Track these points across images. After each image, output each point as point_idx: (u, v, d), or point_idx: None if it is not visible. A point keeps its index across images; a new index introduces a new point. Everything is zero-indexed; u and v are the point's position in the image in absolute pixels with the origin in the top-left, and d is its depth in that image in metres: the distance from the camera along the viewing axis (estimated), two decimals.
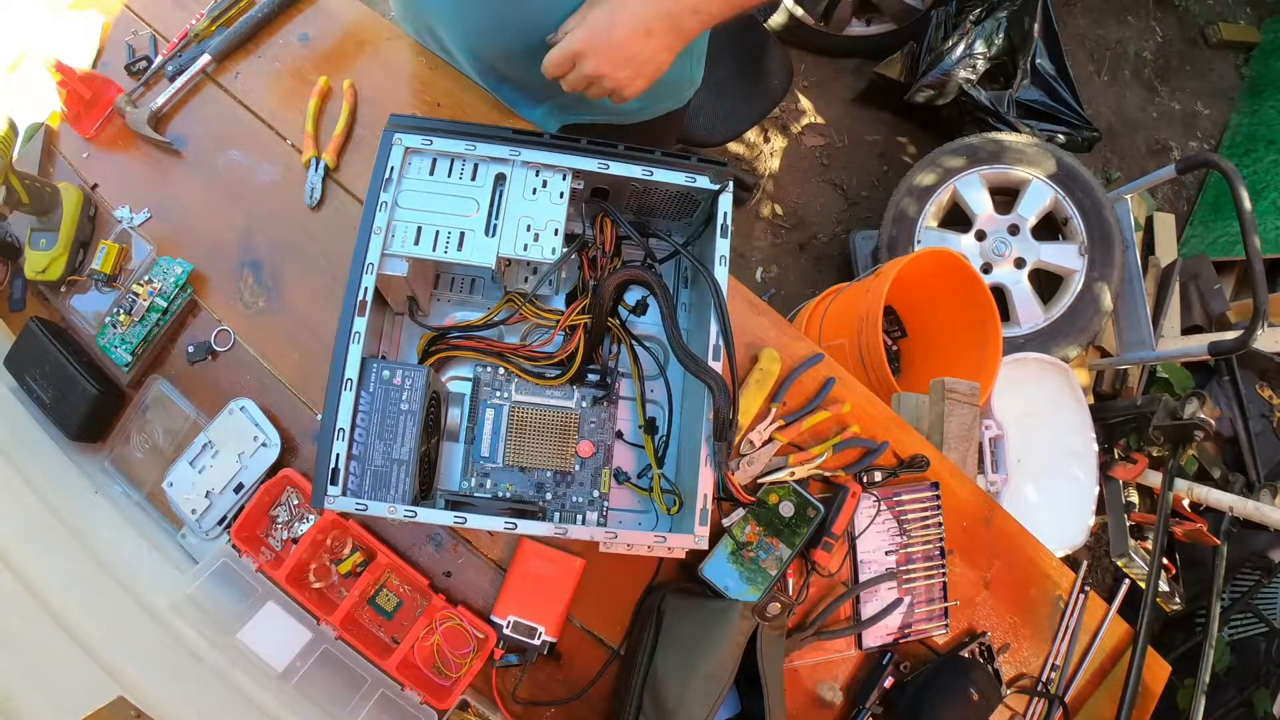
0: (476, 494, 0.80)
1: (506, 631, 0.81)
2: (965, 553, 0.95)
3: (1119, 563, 1.77)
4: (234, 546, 0.83)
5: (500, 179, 0.77)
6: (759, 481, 0.87)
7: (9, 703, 0.59)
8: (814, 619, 0.88)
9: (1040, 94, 2.03)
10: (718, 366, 0.74)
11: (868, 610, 0.90)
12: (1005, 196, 1.95)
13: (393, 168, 0.74)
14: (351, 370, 0.70)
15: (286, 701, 0.77)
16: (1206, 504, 1.56)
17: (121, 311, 0.88)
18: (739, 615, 0.76)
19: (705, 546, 0.73)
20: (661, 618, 0.81)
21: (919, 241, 1.86)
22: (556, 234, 0.76)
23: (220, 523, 0.85)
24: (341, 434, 0.69)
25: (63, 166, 0.97)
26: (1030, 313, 1.85)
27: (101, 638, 0.69)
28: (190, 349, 0.90)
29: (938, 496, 0.94)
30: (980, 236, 1.91)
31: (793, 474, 0.88)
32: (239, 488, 0.85)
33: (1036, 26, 1.99)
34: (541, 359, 0.83)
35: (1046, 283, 1.90)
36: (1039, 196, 1.89)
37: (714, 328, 0.75)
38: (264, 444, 0.85)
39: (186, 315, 0.92)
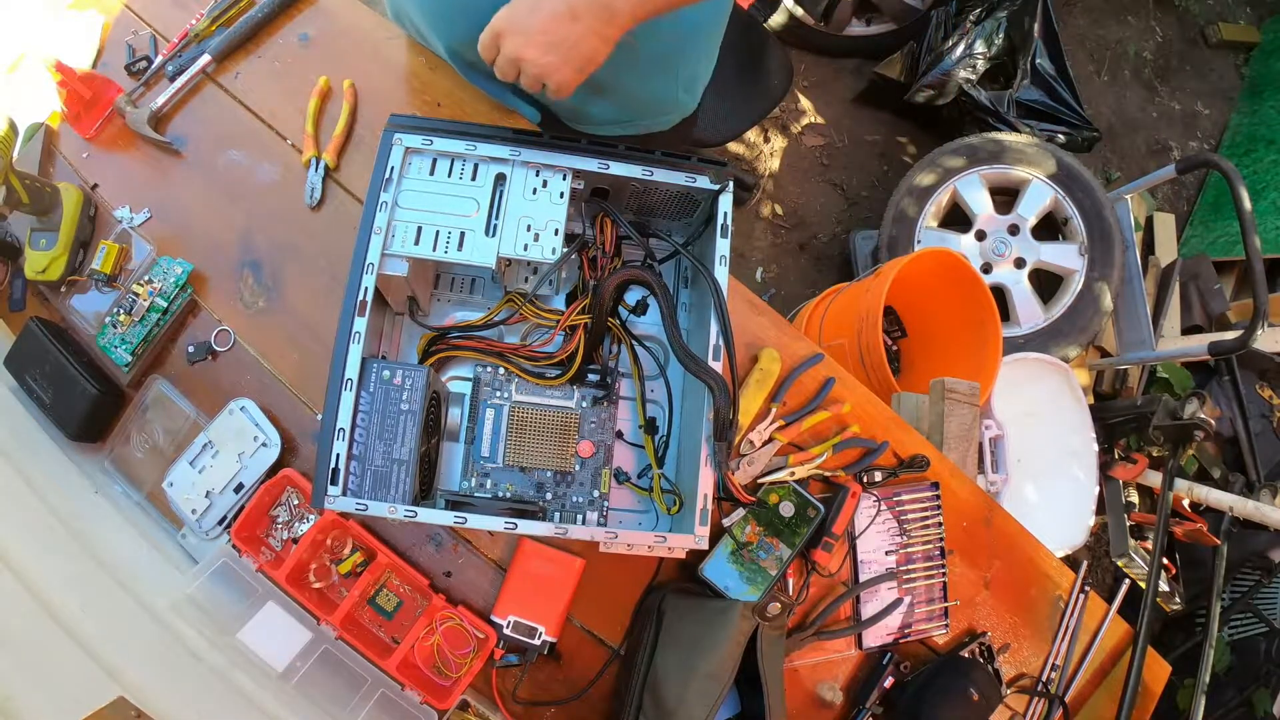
0: (476, 494, 0.80)
1: (506, 631, 0.81)
2: (965, 553, 0.95)
3: (1119, 563, 1.77)
4: (234, 546, 0.83)
5: (500, 179, 0.77)
6: (759, 481, 0.87)
7: (9, 703, 0.59)
8: (814, 619, 0.88)
9: (1040, 94, 2.03)
10: (718, 366, 0.74)
11: (868, 610, 0.90)
12: (1005, 196, 1.95)
13: (393, 168, 0.74)
14: (351, 370, 0.70)
15: (286, 701, 0.77)
16: (1206, 504, 1.56)
17: (121, 311, 0.88)
18: (739, 615, 0.76)
19: (705, 546, 0.73)
20: (661, 618, 0.81)
21: (919, 241, 1.86)
22: (556, 234, 0.76)
23: (220, 523, 0.85)
24: (341, 434, 0.69)
25: (63, 166, 0.97)
26: (1030, 313, 1.85)
27: (101, 638, 0.69)
28: (190, 349, 0.90)
29: (938, 496, 0.94)
30: (980, 236, 1.90)
31: (793, 474, 0.88)
32: (239, 488, 0.84)
33: (1036, 26, 1.99)
34: (542, 359, 0.83)
35: (1046, 283, 1.90)
36: (1039, 196, 1.89)
37: (714, 328, 0.75)
38: (264, 444, 0.85)
39: (186, 315, 0.92)
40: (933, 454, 0.96)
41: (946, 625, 0.93)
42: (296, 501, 0.86)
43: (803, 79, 2.28)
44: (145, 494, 0.89)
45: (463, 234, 0.75)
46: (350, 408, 0.69)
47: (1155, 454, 1.71)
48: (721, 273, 0.76)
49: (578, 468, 0.82)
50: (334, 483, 0.68)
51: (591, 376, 0.84)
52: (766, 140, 2.23)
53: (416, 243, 0.74)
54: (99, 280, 0.90)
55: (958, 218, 1.95)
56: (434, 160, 0.77)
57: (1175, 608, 1.80)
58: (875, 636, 0.90)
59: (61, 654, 0.67)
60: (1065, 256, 1.87)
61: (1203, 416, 1.53)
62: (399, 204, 0.75)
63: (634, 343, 0.87)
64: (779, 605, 0.85)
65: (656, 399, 0.88)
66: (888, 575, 0.91)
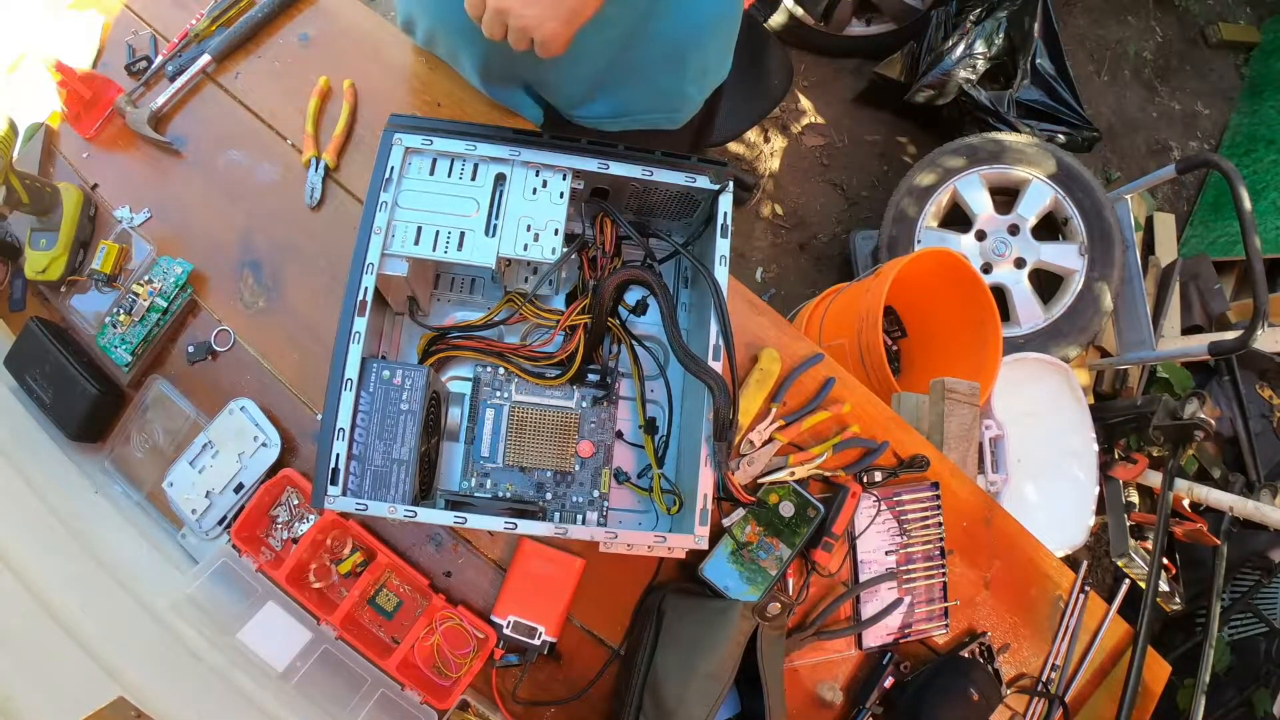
0: (476, 494, 0.80)
1: (506, 631, 0.81)
2: (965, 553, 0.95)
3: (1119, 563, 1.77)
4: (234, 546, 0.83)
5: (500, 179, 0.77)
6: (759, 481, 0.87)
7: (9, 703, 0.59)
8: (814, 619, 0.88)
9: (1040, 94, 2.03)
10: (718, 366, 0.74)
11: (868, 610, 0.90)
12: (1005, 196, 1.95)
13: (393, 168, 0.74)
14: (351, 370, 0.70)
15: (286, 701, 0.77)
16: (1206, 504, 1.56)
17: (121, 311, 0.88)
18: (739, 615, 0.76)
19: (705, 546, 0.73)
20: (661, 618, 0.81)
21: (919, 241, 1.86)
22: (556, 234, 0.76)
23: (220, 523, 0.85)
24: (341, 434, 0.69)
25: (63, 166, 0.97)
26: (1030, 313, 1.85)
27: (101, 638, 0.69)
28: (190, 349, 0.90)
29: (938, 496, 0.94)
30: (980, 236, 1.91)
31: (793, 474, 0.88)
32: (239, 488, 0.84)
33: (1036, 26, 1.99)
34: (541, 359, 0.83)
35: (1046, 283, 1.90)
36: (1039, 196, 1.89)
37: (714, 328, 0.75)
38: (264, 444, 0.85)
39: (186, 315, 0.92)
40: (933, 454, 0.96)
41: (946, 625, 0.93)
42: (296, 501, 0.86)
43: (803, 79, 2.28)
44: (145, 494, 0.89)
45: (463, 234, 0.75)
46: (350, 408, 0.69)
47: (1155, 454, 1.71)
48: (721, 273, 0.76)
49: (578, 468, 0.82)
50: (334, 483, 0.68)
51: (591, 376, 0.84)
52: (766, 140, 2.23)
53: (416, 243, 0.74)
54: (99, 280, 0.90)
55: (958, 218, 1.95)
56: (434, 160, 0.77)
57: (1175, 608, 1.80)
58: (875, 636, 0.90)
59: (61, 654, 0.67)
60: (1065, 256, 1.87)
61: (1203, 416, 1.53)
62: (399, 204, 0.75)
63: (634, 343, 0.87)
64: (779, 605, 0.85)
65: (656, 399, 0.88)
66: (888, 575, 0.91)
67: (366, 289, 0.71)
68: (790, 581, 0.88)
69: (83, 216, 0.92)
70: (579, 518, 0.81)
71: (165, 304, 0.89)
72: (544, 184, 0.77)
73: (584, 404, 0.83)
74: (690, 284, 0.91)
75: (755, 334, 0.94)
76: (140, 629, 0.76)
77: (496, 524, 0.69)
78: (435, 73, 0.98)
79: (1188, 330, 2.00)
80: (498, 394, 0.83)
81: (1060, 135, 2.02)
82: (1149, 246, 2.19)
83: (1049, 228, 1.95)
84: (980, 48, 1.97)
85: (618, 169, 0.76)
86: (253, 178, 0.95)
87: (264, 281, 0.92)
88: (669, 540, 0.74)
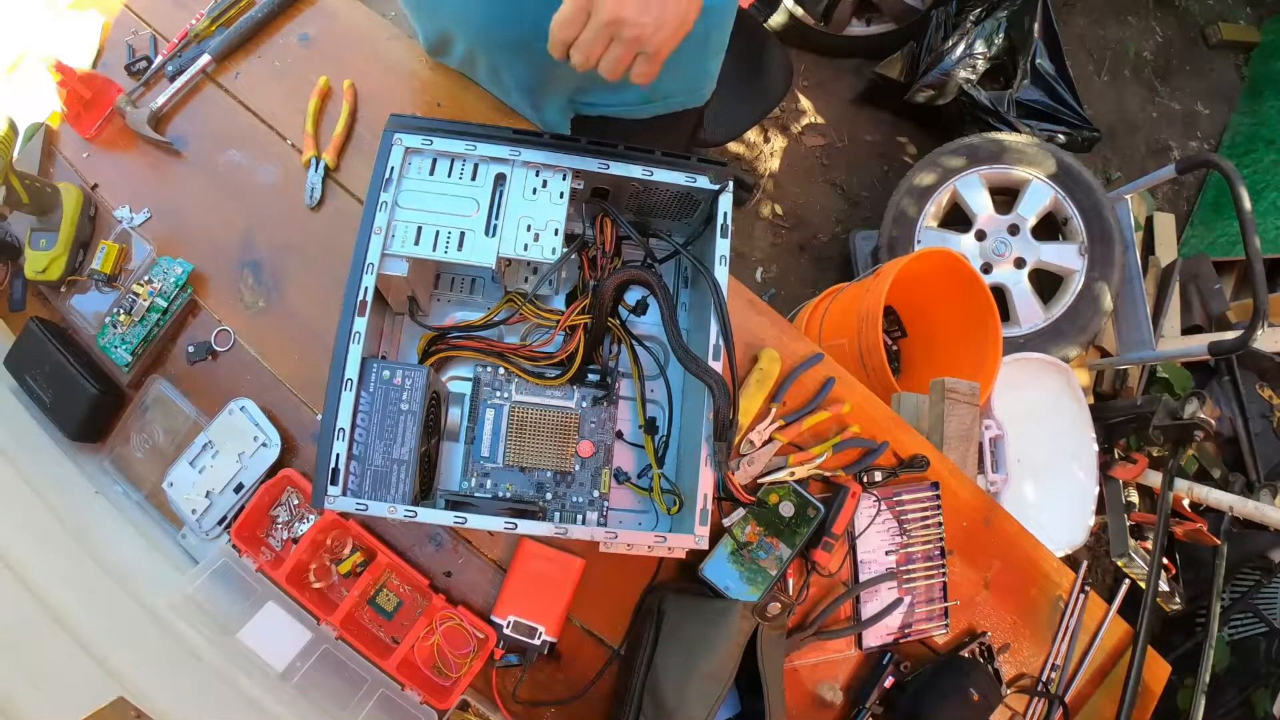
0: (477, 494, 0.80)
1: (506, 631, 0.81)
2: (965, 553, 0.95)
3: (1119, 563, 1.77)
4: (234, 546, 0.83)
5: (500, 179, 0.77)
6: (759, 481, 0.87)
7: (9, 703, 0.59)
8: (814, 619, 0.88)
9: (1040, 94, 2.03)
10: (718, 366, 0.74)
11: (868, 610, 0.90)
12: (1005, 196, 1.95)
13: (393, 168, 0.74)
14: (351, 370, 0.70)
15: (286, 701, 0.77)
16: (1206, 504, 1.56)
17: (121, 311, 0.88)
18: (739, 615, 0.76)
19: (705, 546, 0.73)
20: (661, 618, 0.81)
21: (919, 241, 1.86)
22: (556, 234, 0.76)
23: (220, 523, 0.85)
24: (341, 434, 0.69)
25: (63, 166, 0.97)
26: (1030, 313, 1.85)
27: (101, 638, 0.69)
28: (190, 349, 0.90)
29: (938, 496, 0.94)
30: (980, 236, 1.90)
31: (793, 474, 0.88)
32: (239, 488, 0.84)
33: (1036, 26, 1.99)
34: (542, 359, 0.83)
35: (1046, 283, 1.90)
36: (1039, 196, 1.89)
37: (714, 328, 0.75)
38: (264, 444, 0.85)
39: (186, 315, 0.92)
40: (933, 454, 0.96)
41: (946, 625, 0.93)
42: (296, 501, 0.86)
43: (803, 79, 2.28)
44: (145, 494, 0.89)
45: (463, 234, 0.75)
46: (350, 408, 0.69)
47: (1155, 454, 1.71)
48: (721, 273, 0.76)
49: (578, 468, 0.82)
50: (334, 483, 0.68)
51: (591, 376, 0.84)
52: (766, 140, 2.23)
53: (416, 243, 0.74)
54: (99, 280, 0.90)
55: (958, 218, 1.95)
56: (434, 160, 0.77)
57: (1175, 608, 1.80)
58: (875, 636, 0.90)
59: (61, 654, 0.67)
60: (1065, 256, 1.87)
61: (1203, 416, 1.53)
62: (399, 204, 0.75)
63: (634, 343, 0.87)
64: (779, 605, 0.85)
65: (656, 399, 0.88)
66: (888, 575, 0.91)
67: (366, 289, 0.71)
68: (790, 581, 0.88)
69: (83, 216, 0.92)
70: (579, 518, 0.81)
71: (165, 304, 0.89)
72: (544, 184, 0.77)
73: (584, 404, 0.83)
74: (690, 284, 0.91)
75: (755, 334, 0.94)
76: (140, 629, 0.76)
77: (496, 524, 0.69)
78: (435, 73, 0.98)
79: (1188, 330, 2.00)
80: (498, 394, 0.83)
81: (1060, 135, 2.02)
82: (1149, 246, 2.19)
83: (1049, 228, 1.95)
84: (980, 48, 1.97)
85: (618, 169, 0.76)
86: (253, 178, 0.95)
87: (264, 281, 0.92)
88: (669, 540, 0.74)
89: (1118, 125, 2.44)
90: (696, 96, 0.97)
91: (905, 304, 1.74)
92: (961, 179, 1.89)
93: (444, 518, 0.69)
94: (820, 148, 2.25)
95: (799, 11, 2.14)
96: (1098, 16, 2.54)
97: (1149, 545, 1.72)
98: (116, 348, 0.88)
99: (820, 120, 2.27)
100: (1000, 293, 1.85)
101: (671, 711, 0.75)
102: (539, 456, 0.81)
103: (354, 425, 0.70)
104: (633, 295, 0.90)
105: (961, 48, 1.97)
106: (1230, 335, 1.50)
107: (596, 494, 0.82)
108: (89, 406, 0.86)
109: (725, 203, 0.77)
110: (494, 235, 0.75)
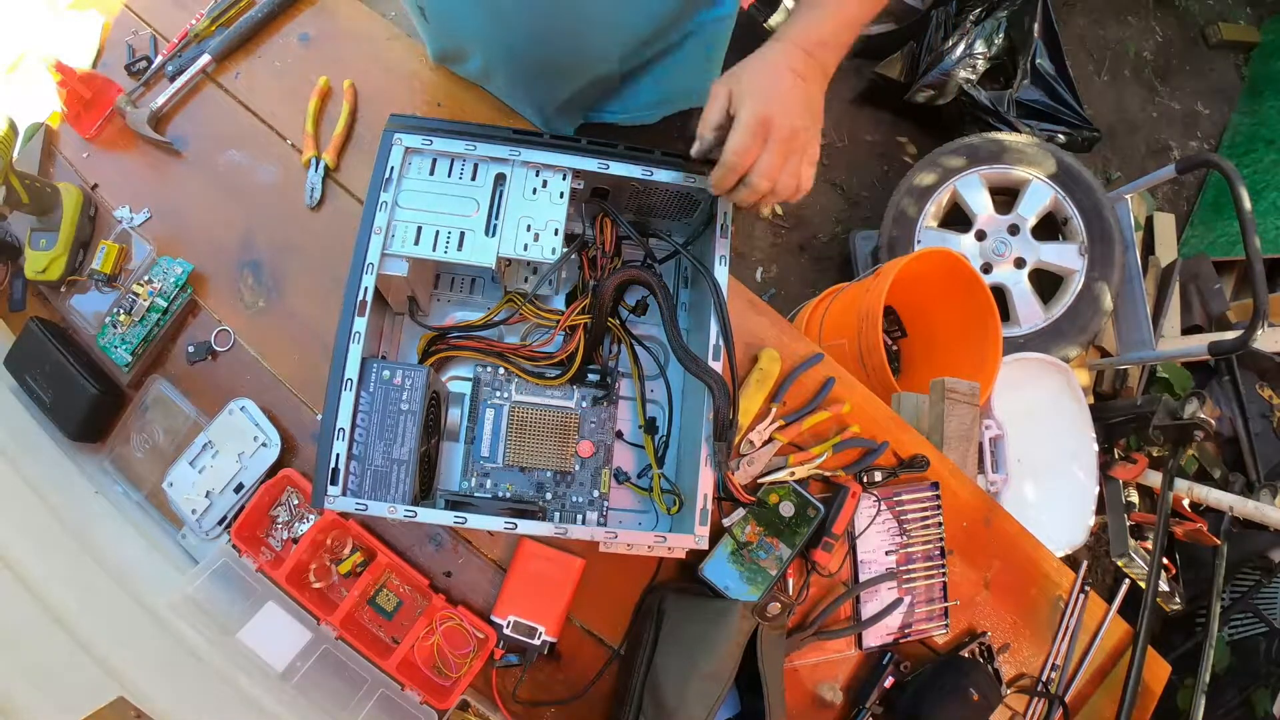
0: (476, 494, 0.80)
1: (506, 631, 0.81)
2: (965, 553, 0.95)
3: (1119, 563, 1.77)
4: (234, 546, 0.83)
5: (500, 179, 0.77)
6: (759, 481, 0.87)
7: (9, 702, 0.59)
8: (814, 619, 0.88)
9: (1040, 94, 2.03)
10: (718, 366, 0.74)
11: (868, 610, 0.90)
12: (1005, 196, 1.95)
13: (393, 168, 0.74)
14: (351, 370, 0.70)
15: (286, 701, 0.77)
16: (1206, 504, 1.56)
17: (121, 311, 0.88)
18: (739, 615, 0.76)
19: (705, 546, 0.73)
20: (661, 618, 0.81)
21: (919, 241, 1.86)
22: (556, 234, 0.76)
23: (220, 523, 0.85)
24: (341, 434, 0.69)
25: (63, 166, 0.97)
26: (1030, 313, 1.85)
27: (101, 638, 0.69)
28: (190, 349, 0.90)
29: (938, 496, 0.94)
30: (980, 236, 1.90)
31: (793, 474, 0.88)
32: (239, 488, 0.84)
33: (1036, 26, 1.99)
34: (542, 359, 0.83)
35: (1046, 283, 1.90)
36: (1039, 196, 1.89)
37: (714, 328, 0.75)
38: (264, 444, 0.85)
39: (186, 315, 0.92)
40: (933, 454, 0.96)
41: (946, 625, 0.93)
42: (296, 501, 0.86)
43: None
44: (145, 494, 0.89)
45: (463, 234, 0.75)
46: (350, 408, 0.69)
47: (1155, 454, 1.71)
48: (721, 273, 0.76)
49: (578, 468, 0.82)
50: (334, 483, 0.68)
51: (591, 376, 0.84)
52: None
53: (416, 243, 0.74)
54: (99, 280, 0.90)
55: (958, 218, 1.95)
56: (434, 160, 0.77)
57: (1175, 608, 1.80)
58: (875, 636, 0.90)
59: (61, 654, 0.67)
60: (1065, 256, 1.87)
61: (1203, 416, 1.53)
62: (399, 204, 0.75)
63: (634, 343, 0.87)
64: (779, 605, 0.85)
65: (656, 399, 0.88)
66: (888, 575, 0.91)
67: (366, 289, 0.71)
68: (790, 581, 0.88)
69: (83, 216, 0.92)
70: (579, 518, 0.81)
71: (165, 304, 0.89)
72: (544, 184, 0.77)
73: (584, 404, 0.83)
74: (690, 284, 0.91)
75: (755, 334, 0.94)
76: (140, 629, 0.76)
77: (496, 524, 0.69)
78: (435, 73, 0.98)
79: (1188, 330, 2.00)
80: (498, 394, 0.83)
81: (1060, 135, 2.02)
82: (1149, 246, 2.19)
83: (1049, 228, 1.95)
84: (980, 48, 1.97)
85: (618, 169, 0.76)
86: (253, 178, 0.95)
87: (264, 281, 0.92)
88: (669, 540, 0.74)
89: (1118, 125, 2.44)
90: (702, 98, 0.98)
91: (905, 304, 1.74)
92: (961, 179, 1.89)
93: (444, 518, 0.69)
94: (820, 147, 2.25)
95: None
96: (1098, 16, 2.54)
97: (1149, 545, 1.72)
98: (116, 348, 0.88)
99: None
100: (1000, 293, 1.85)
101: (671, 711, 0.75)
102: (539, 456, 0.81)
103: (354, 425, 0.70)
104: (633, 295, 0.90)
105: (961, 48, 1.97)
106: (1230, 335, 1.50)
107: (596, 494, 0.82)
108: (89, 406, 0.86)
109: (725, 203, 0.77)
110: (494, 235, 0.75)
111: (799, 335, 0.96)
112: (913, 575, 0.92)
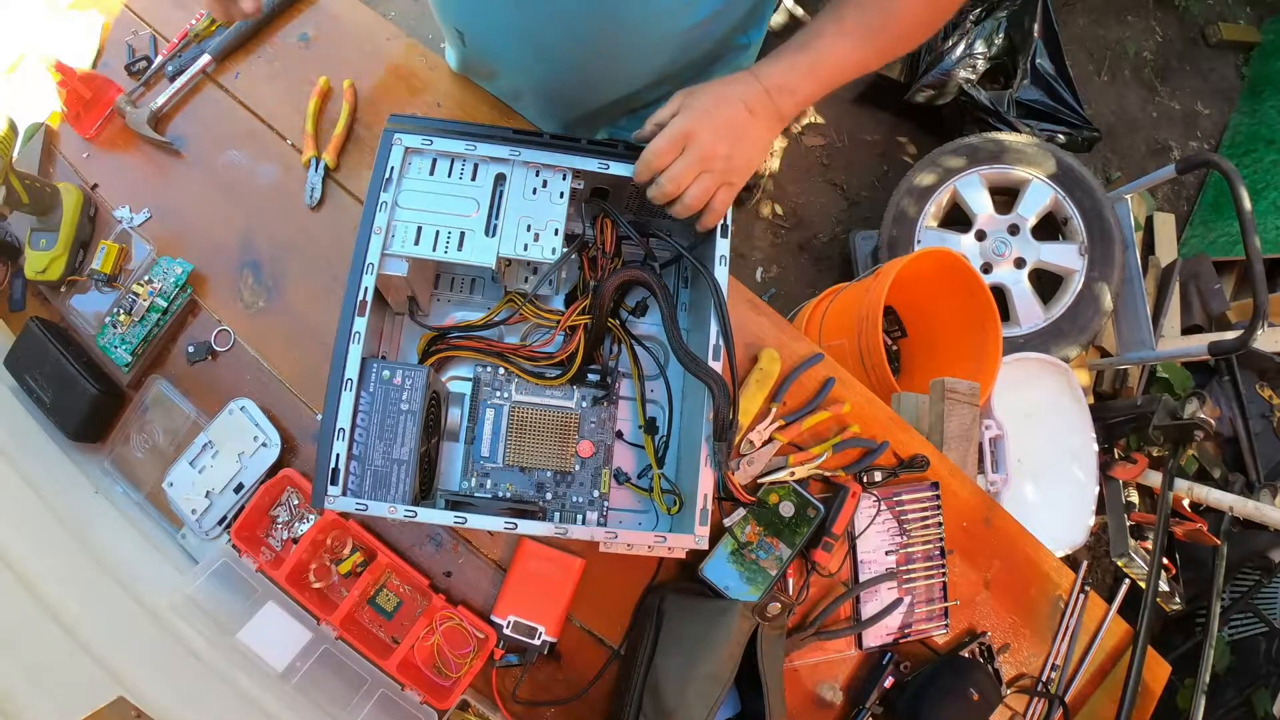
0: (476, 494, 0.80)
1: (506, 631, 0.81)
2: (965, 553, 0.95)
3: (1119, 563, 1.77)
4: (234, 546, 0.83)
5: (500, 179, 0.77)
6: (759, 481, 0.87)
7: (9, 702, 0.59)
8: (814, 619, 0.88)
9: (1040, 94, 2.03)
10: (718, 366, 0.74)
11: (868, 610, 0.90)
12: (1005, 196, 1.95)
13: (393, 168, 0.74)
14: (351, 370, 0.70)
15: (286, 701, 0.77)
16: (1206, 504, 1.56)
17: (121, 311, 0.88)
18: (739, 615, 0.76)
19: (705, 546, 0.73)
20: (661, 618, 0.81)
21: (919, 241, 1.86)
22: (556, 234, 0.76)
23: (220, 523, 0.85)
24: (341, 434, 0.69)
25: (63, 166, 0.97)
26: (1030, 313, 1.85)
27: (101, 638, 0.69)
28: (190, 349, 0.90)
29: (938, 496, 0.94)
30: (980, 236, 1.90)
31: (793, 474, 0.88)
32: (239, 488, 0.84)
33: (1036, 26, 1.99)
34: (542, 359, 0.83)
35: (1046, 283, 1.90)
36: (1039, 196, 1.89)
37: (714, 328, 0.75)
38: (264, 444, 0.85)
39: (186, 315, 0.92)
40: (933, 454, 0.96)
41: (946, 625, 0.93)
42: (296, 501, 0.86)
43: None
44: (145, 494, 0.89)
45: (463, 234, 0.75)
46: (350, 408, 0.69)
47: (1155, 454, 1.71)
48: (721, 273, 0.76)
49: (578, 468, 0.82)
50: (334, 483, 0.68)
51: (591, 376, 0.84)
52: None
53: (416, 243, 0.74)
54: (99, 280, 0.90)
55: (958, 218, 1.95)
56: (434, 160, 0.77)
57: (1175, 608, 1.80)
58: (875, 636, 0.90)
59: (61, 654, 0.66)
60: (1065, 256, 1.87)
61: (1203, 416, 1.53)
62: (399, 204, 0.75)
63: (634, 343, 0.87)
64: (779, 605, 0.85)
65: (656, 399, 0.88)
66: (888, 575, 0.91)
67: (366, 289, 0.71)
68: (790, 581, 0.88)
69: (83, 216, 0.92)
70: (579, 518, 0.81)
71: (165, 304, 0.89)
72: (544, 184, 0.77)
73: (584, 404, 0.83)
74: (690, 284, 0.91)
75: (755, 334, 0.94)
76: (140, 629, 0.76)
77: (496, 524, 0.69)
78: (435, 73, 0.98)
79: (1188, 330, 2.00)
80: (498, 394, 0.83)
81: (1060, 135, 2.02)
82: (1149, 246, 2.19)
83: (1049, 228, 1.95)
84: (980, 48, 1.97)
85: (618, 169, 0.76)
86: (253, 178, 0.95)
87: (264, 281, 0.92)
88: (669, 540, 0.74)
89: (1118, 125, 2.44)
90: None
91: (905, 304, 1.74)
92: (961, 179, 1.89)
93: (444, 518, 0.69)
94: (820, 148, 2.25)
95: (799, 11, 2.13)
96: (1098, 16, 2.54)
97: (1149, 545, 1.72)
98: (116, 348, 0.88)
99: (820, 120, 2.27)
100: (1000, 293, 1.85)
101: (671, 711, 0.75)
102: (539, 456, 0.81)
103: (354, 425, 0.70)
104: (633, 296, 0.90)
105: (961, 47, 1.97)
106: (1230, 335, 1.50)
107: (596, 494, 0.82)
108: (89, 406, 0.86)
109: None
110: (494, 235, 0.75)
111: (799, 335, 0.96)
112: (913, 575, 0.92)
